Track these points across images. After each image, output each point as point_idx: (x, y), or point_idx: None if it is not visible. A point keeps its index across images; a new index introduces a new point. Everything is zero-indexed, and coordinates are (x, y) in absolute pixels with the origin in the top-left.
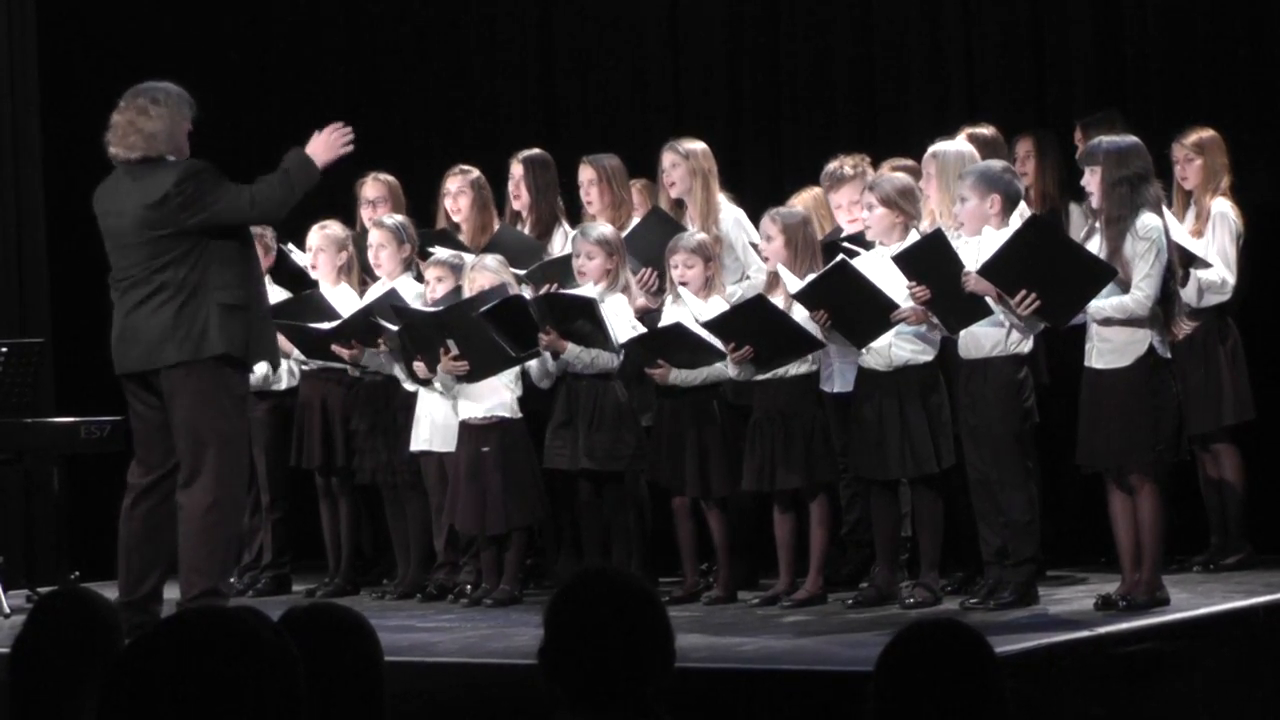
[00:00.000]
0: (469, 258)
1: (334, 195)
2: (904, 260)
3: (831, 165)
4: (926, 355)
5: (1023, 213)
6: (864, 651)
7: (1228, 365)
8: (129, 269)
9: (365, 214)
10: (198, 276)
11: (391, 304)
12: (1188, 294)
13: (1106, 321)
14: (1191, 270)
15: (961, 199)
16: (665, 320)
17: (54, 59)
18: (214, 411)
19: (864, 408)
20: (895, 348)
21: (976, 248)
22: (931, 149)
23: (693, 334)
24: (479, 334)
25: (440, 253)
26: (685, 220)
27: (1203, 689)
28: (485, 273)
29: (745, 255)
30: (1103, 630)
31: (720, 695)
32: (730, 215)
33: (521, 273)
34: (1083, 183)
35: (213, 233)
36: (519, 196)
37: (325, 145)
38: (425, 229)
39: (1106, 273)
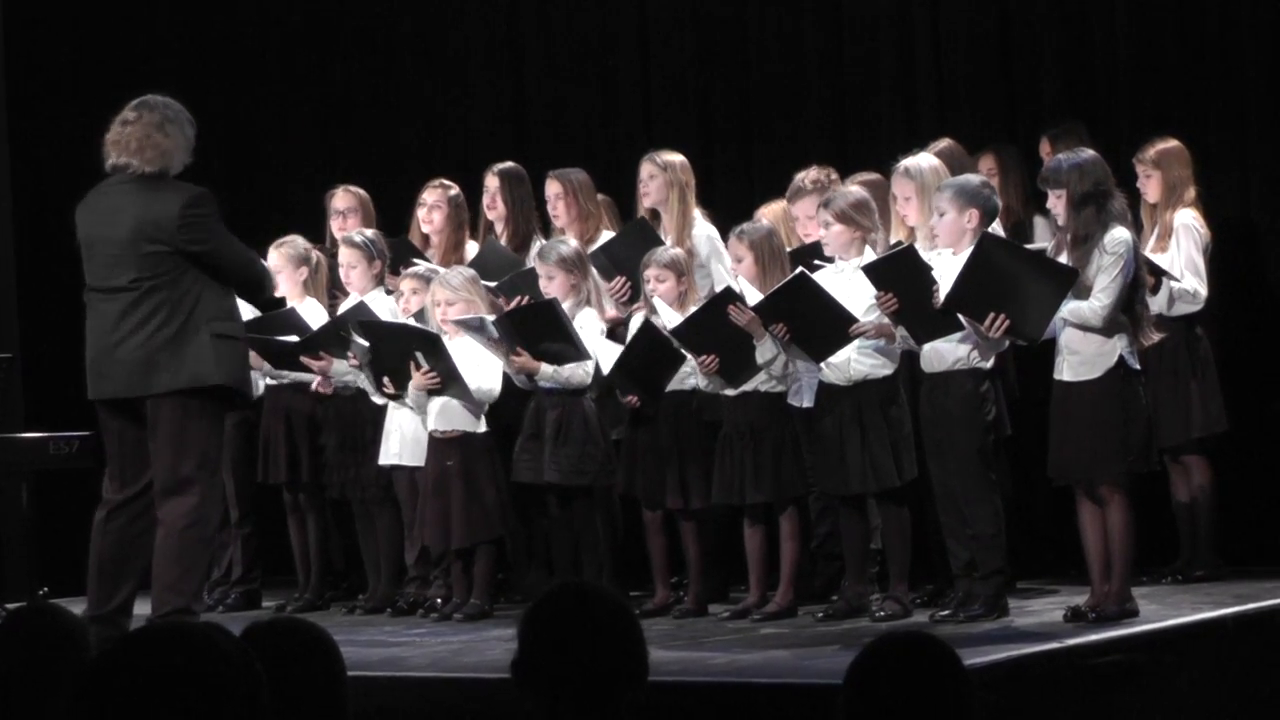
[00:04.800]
0: (442, 270)
1: (303, 209)
2: (874, 271)
3: (797, 177)
4: (886, 369)
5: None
6: (835, 664)
7: (1197, 377)
8: (115, 281)
9: (335, 225)
10: (190, 301)
11: (358, 319)
12: (1159, 302)
13: (1064, 325)
14: (1163, 280)
15: (939, 212)
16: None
17: (21, 72)
18: (198, 436)
19: (825, 422)
20: (854, 362)
21: (945, 260)
22: (904, 165)
23: (660, 336)
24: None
25: (417, 266)
26: (660, 231)
27: (1172, 700)
28: (445, 289)
29: (713, 271)
30: (1072, 642)
31: (691, 709)
32: (704, 232)
33: (493, 284)
34: (1048, 205)
35: (200, 265)
36: (494, 208)
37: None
38: (391, 238)
39: (1068, 275)
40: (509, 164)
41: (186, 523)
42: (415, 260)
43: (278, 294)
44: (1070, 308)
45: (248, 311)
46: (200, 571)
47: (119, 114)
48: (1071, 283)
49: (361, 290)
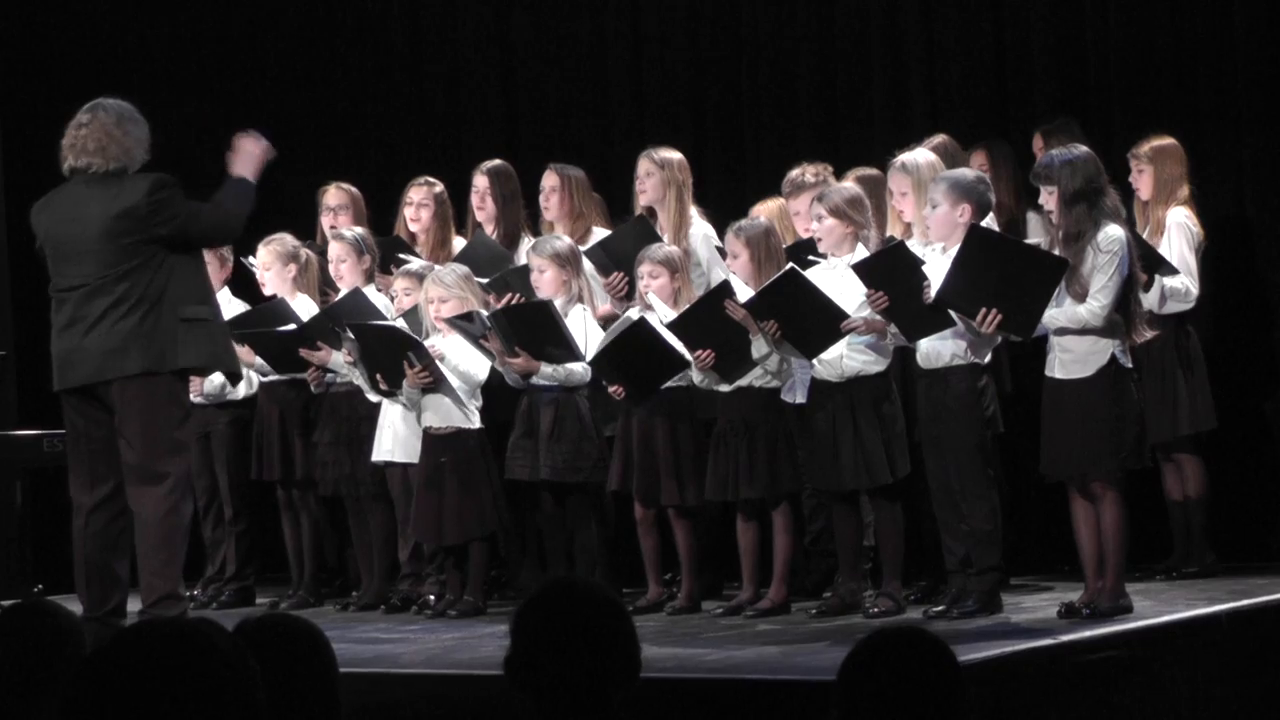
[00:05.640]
0: (436, 268)
1: (295, 204)
2: (864, 269)
3: (794, 172)
4: (878, 366)
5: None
6: (828, 661)
7: (1186, 375)
8: (84, 277)
9: (326, 221)
10: (158, 289)
11: (346, 323)
12: (1150, 299)
13: (1061, 332)
14: (1157, 276)
15: (932, 204)
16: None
17: (14, 70)
18: (168, 421)
19: (817, 418)
20: (847, 359)
21: (938, 257)
22: (900, 161)
23: (656, 336)
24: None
25: (411, 264)
26: (657, 228)
27: (1166, 697)
28: (438, 287)
29: (710, 272)
30: (1066, 638)
31: (684, 705)
32: (700, 231)
33: (485, 281)
34: (1041, 201)
35: (174, 245)
36: (483, 208)
37: (252, 162)
38: (381, 237)
39: (1058, 265)
40: (497, 162)
41: (164, 510)
42: (405, 257)
43: (267, 290)
44: (1069, 314)
45: (239, 306)
46: (182, 555)
47: (72, 119)
48: (1061, 273)
49: (351, 287)
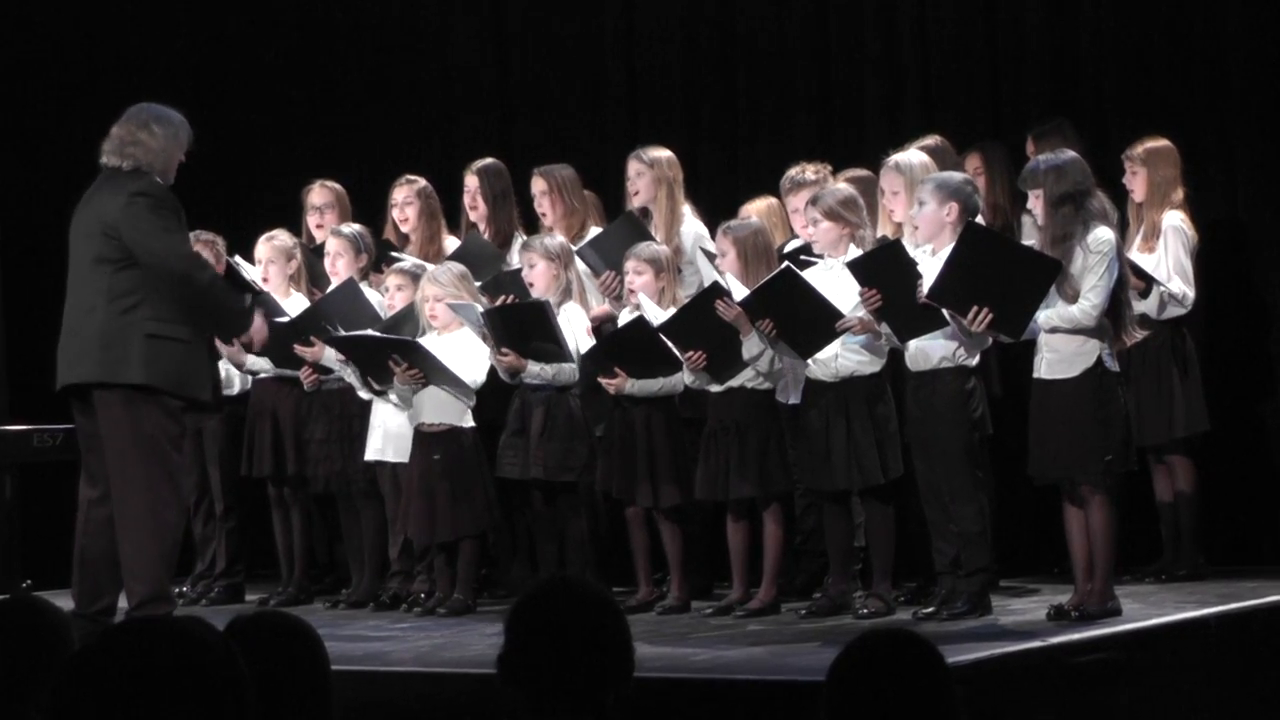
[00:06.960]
0: (427, 267)
1: (289, 203)
2: (859, 268)
3: (793, 171)
4: (873, 366)
5: None
6: (817, 661)
7: (1180, 377)
8: (80, 274)
9: (312, 221)
10: (134, 299)
11: (334, 336)
12: (1149, 305)
13: (1053, 331)
14: (1154, 284)
15: (920, 203)
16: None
17: (5, 69)
18: (137, 428)
19: (810, 417)
20: (841, 358)
21: (927, 258)
22: (893, 160)
23: (651, 333)
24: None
25: (403, 261)
26: (650, 228)
27: (1155, 699)
28: (435, 285)
29: (703, 270)
30: (1055, 640)
31: (674, 705)
32: (692, 229)
33: (479, 284)
34: (1029, 205)
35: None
36: (475, 207)
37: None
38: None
39: (1052, 266)
40: (488, 160)
41: (137, 512)
42: (397, 255)
43: (268, 286)
44: (1061, 314)
45: None
46: (166, 557)
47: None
48: (1054, 275)
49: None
